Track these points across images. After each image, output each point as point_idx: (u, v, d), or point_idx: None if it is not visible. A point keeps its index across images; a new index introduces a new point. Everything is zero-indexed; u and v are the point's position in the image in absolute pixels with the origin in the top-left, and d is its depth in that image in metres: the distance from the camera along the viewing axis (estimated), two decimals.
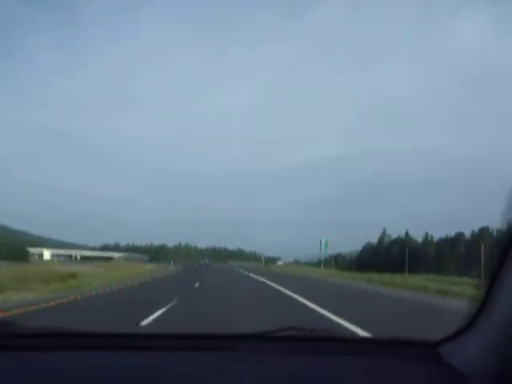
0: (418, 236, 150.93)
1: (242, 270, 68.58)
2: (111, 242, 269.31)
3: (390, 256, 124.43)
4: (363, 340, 2.31)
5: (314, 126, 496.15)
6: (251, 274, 51.02)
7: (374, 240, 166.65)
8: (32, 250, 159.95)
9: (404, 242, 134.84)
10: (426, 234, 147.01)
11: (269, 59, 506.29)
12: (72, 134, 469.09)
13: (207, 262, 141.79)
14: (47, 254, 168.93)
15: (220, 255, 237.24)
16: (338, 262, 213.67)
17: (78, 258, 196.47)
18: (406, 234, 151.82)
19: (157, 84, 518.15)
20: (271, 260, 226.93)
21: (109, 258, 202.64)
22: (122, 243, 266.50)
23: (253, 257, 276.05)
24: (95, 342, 2.18)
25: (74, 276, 32.07)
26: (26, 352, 2.05)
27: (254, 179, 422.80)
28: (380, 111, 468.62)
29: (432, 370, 1.83)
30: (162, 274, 50.84)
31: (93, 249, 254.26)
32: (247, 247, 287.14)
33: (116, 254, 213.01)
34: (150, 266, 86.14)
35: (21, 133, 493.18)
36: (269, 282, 33.20)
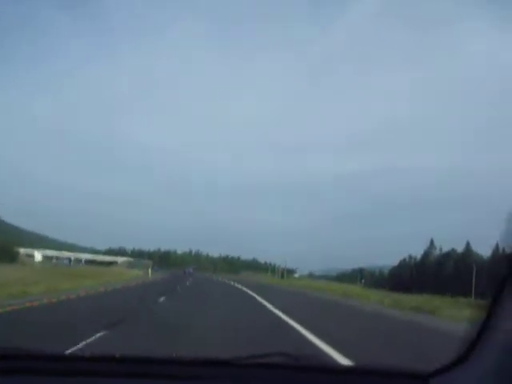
0: (481, 249, 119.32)
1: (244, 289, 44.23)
2: (117, 245, 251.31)
3: (443, 273, 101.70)
4: (351, 370, 2.12)
5: (337, 139, 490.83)
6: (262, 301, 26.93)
7: (407, 254, 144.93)
8: (25, 250, 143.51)
9: (463, 257, 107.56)
10: (497, 247, 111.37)
11: (291, 68, 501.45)
12: (89, 136, 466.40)
13: (191, 270, 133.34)
14: (38, 256, 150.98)
15: (233, 265, 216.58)
16: (365, 278, 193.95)
17: (82, 261, 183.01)
18: (467, 246, 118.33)
19: (182, 91, 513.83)
20: (288, 272, 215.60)
21: (111, 263, 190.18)
22: (129, 247, 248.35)
23: (267, 268, 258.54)
24: (68, 366, 2.07)
25: None
26: (27, 375, 1.99)
27: (272, 190, 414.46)
28: (408, 126, 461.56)
29: None
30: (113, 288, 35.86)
31: (97, 252, 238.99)
32: (262, 258, 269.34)
33: (120, 259, 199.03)
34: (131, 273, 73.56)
35: (33, 130, 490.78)
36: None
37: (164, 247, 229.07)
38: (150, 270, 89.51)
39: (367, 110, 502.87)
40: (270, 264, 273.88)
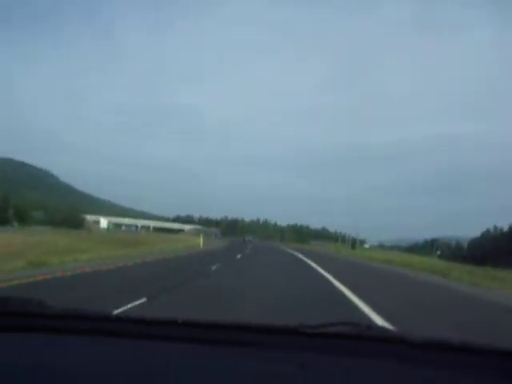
0: None
1: (309, 262, 35.88)
2: (184, 213, 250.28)
3: None
4: (430, 345, 1.74)
5: (404, 108, 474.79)
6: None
7: (491, 225, 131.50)
8: (90, 217, 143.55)
9: None
10: None
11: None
12: (162, 105, 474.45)
13: (251, 238, 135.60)
14: (104, 222, 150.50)
15: (302, 234, 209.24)
16: (441, 249, 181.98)
17: (151, 228, 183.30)
18: None
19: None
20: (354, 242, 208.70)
21: (179, 230, 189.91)
22: (196, 215, 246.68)
23: (337, 238, 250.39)
24: (117, 327, 2.00)
25: None
26: (49, 334, 1.93)
27: (340, 162, 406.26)
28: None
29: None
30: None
31: (166, 220, 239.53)
32: (332, 227, 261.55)
33: (187, 227, 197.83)
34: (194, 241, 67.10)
35: (97, 104, 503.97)
36: None
37: (232, 215, 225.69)
38: (212, 237, 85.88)
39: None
40: (340, 233, 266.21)
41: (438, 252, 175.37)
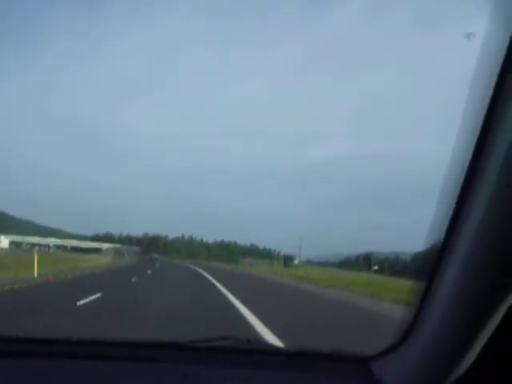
0: None
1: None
2: (103, 231, 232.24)
3: None
4: (296, 354, 2.10)
5: (325, 127, 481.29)
6: None
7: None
8: None
9: None
10: None
11: (282, 59, 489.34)
12: (79, 120, 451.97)
13: (156, 256, 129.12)
14: (5, 242, 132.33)
15: (230, 251, 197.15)
16: (377, 264, 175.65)
17: (68, 248, 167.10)
18: None
19: (172, 80, 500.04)
20: (286, 259, 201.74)
21: (97, 249, 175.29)
22: (116, 233, 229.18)
23: (267, 254, 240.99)
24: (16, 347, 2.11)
25: None
26: None
27: (268, 176, 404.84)
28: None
29: None
30: None
31: (84, 238, 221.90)
32: (260, 243, 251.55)
33: (105, 245, 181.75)
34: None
35: (23, 115, 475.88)
36: None
37: (154, 232, 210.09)
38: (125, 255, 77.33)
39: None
40: (270, 250, 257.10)
41: (375, 267, 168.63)
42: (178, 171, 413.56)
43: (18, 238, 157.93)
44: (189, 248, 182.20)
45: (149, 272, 41.25)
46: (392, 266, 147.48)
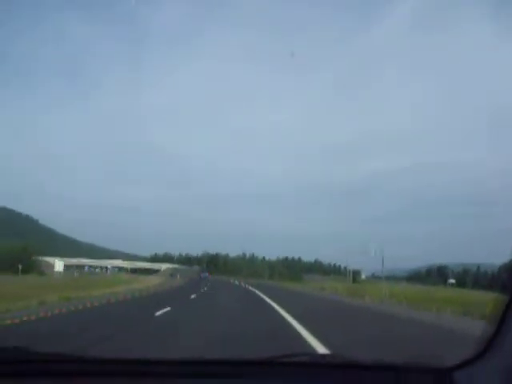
0: None
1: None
2: (162, 251, 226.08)
3: None
4: (375, 366, 2.11)
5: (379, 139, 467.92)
6: None
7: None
8: (46, 258, 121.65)
9: None
10: None
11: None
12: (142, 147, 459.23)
13: (206, 274, 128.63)
14: (59, 265, 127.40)
15: (293, 268, 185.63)
16: (455, 277, 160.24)
17: (128, 269, 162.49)
18: None
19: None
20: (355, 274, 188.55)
21: (156, 270, 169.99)
22: (175, 253, 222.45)
23: (332, 270, 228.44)
24: (104, 368, 2.19)
25: None
26: (37, 378, 2.10)
27: (328, 194, 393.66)
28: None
29: None
30: None
31: (143, 259, 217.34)
32: (324, 259, 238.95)
33: (163, 266, 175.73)
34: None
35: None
36: None
37: (214, 251, 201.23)
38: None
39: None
40: (335, 265, 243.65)
41: (452, 280, 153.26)
42: (236, 196, 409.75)
43: (73, 261, 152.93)
44: (250, 266, 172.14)
45: (192, 297, 32.91)
46: (475, 278, 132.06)
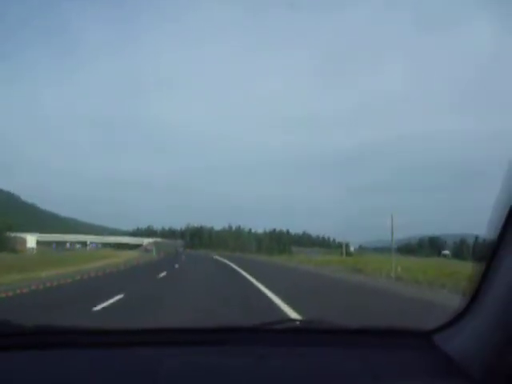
0: None
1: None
2: (145, 225, 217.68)
3: None
4: (359, 331, 2.20)
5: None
6: None
7: None
8: (20, 234, 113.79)
9: None
10: None
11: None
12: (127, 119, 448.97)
13: (181, 250, 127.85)
14: (31, 241, 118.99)
15: (281, 241, 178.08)
16: (450, 248, 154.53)
17: (112, 244, 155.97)
18: None
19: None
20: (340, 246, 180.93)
21: (137, 246, 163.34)
22: (158, 227, 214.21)
23: (321, 242, 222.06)
24: (93, 339, 2.18)
25: None
26: (23, 351, 2.04)
27: (316, 164, 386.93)
28: None
29: (427, 359, 1.85)
30: None
31: (124, 233, 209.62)
32: (312, 231, 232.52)
33: (145, 240, 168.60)
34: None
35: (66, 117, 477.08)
36: None
37: (198, 224, 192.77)
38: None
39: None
40: (324, 238, 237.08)
41: (446, 251, 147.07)
42: (221, 167, 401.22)
43: (45, 237, 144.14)
44: (236, 239, 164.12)
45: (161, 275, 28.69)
46: (474, 249, 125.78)
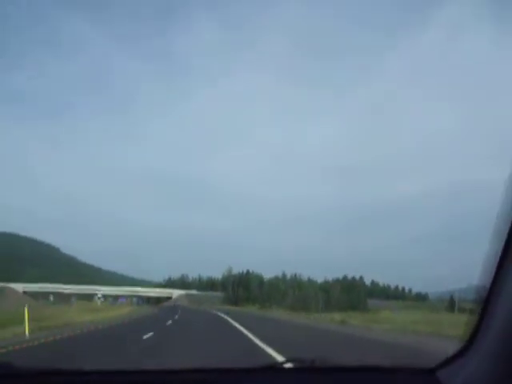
0: None
1: None
2: (177, 275, 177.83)
3: None
4: (363, 368, 2.24)
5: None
6: None
7: None
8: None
9: None
10: None
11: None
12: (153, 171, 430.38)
13: (179, 303, 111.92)
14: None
15: (352, 291, 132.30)
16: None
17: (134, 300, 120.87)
18: None
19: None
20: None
21: (167, 298, 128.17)
22: (194, 276, 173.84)
23: (393, 293, 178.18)
24: (91, 380, 2.18)
25: None
26: None
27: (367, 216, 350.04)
28: None
29: None
30: None
31: (155, 285, 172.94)
32: (380, 280, 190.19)
33: (175, 292, 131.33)
34: None
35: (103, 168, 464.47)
36: None
37: (242, 269, 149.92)
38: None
39: None
40: (397, 288, 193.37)
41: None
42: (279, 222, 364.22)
43: (33, 287, 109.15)
44: (293, 290, 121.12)
45: None
46: None
